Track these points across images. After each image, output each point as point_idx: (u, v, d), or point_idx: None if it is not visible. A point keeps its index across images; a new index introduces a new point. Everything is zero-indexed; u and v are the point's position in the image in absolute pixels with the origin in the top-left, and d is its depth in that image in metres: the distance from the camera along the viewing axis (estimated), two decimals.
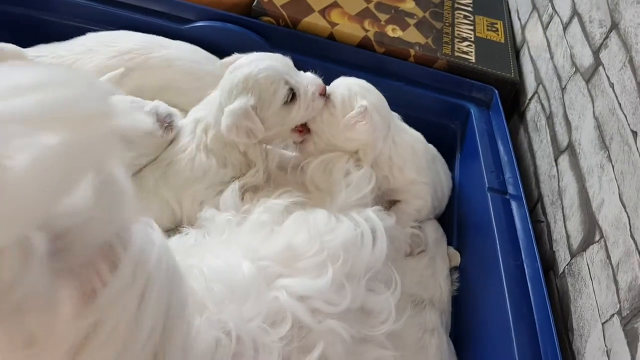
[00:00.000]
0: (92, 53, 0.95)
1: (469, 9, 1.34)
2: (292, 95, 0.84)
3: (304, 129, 0.90)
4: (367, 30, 1.15)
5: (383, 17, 1.21)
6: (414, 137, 0.98)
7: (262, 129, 0.82)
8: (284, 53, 0.98)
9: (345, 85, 0.89)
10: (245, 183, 0.87)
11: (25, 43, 0.95)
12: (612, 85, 0.81)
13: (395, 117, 0.95)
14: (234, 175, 0.89)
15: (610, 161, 0.77)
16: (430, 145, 1.03)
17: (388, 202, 0.95)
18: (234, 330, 0.59)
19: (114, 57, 0.95)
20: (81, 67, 0.94)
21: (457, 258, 0.95)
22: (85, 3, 1.04)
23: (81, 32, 1.02)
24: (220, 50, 1.05)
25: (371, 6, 1.23)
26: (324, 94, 0.87)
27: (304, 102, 0.85)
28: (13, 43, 0.91)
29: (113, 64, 0.94)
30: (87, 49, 0.96)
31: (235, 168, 0.89)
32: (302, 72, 0.89)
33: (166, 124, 0.88)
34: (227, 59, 0.89)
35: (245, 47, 1.04)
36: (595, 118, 0.84)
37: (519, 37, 1.28)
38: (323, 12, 1.16)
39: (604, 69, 0.85)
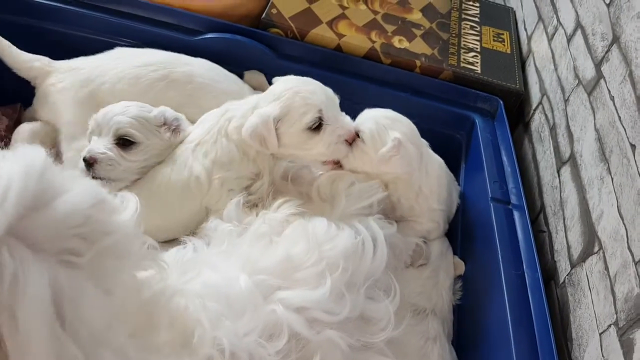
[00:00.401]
0: (118, 60, 0.99)
1: (476, 19, 1.35)
2: (319, 126, 0.85)
3: (335, 165, 0.91)
4: (373, 42, 1.17)
5: (390, 28, 1.23)
6: (440, 165, 0.99)
7: (275, 144, 0.84)
8: (292, 64, 1.01)
9: (373, 119, 0.89)
10: (251, 194, 0.89)
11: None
12: (612, 98, 0.83)
13: (425, 145, 0.96)
14: (255, 172, 0.91)
15: (610, 173, 0.78)
16: (448, 170, 1.04)
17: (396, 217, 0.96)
18: (228, 347, 0.61)
19: (138, 67, 0.98)
20: (105, 72, 0.97)
21: (461, 267, 0.95)
22: (98, 16, 1.07)
23: (95, 43, 1.06)
24: (229, 61, 1.08)
25: (378, 17, 1.25)
26: (350, 142, 0.88)
27: (327, 138, 0.86)
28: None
29: (136, 73, 0.97)
30: (113, 58, 1.00)
31: (256, 164, 0.90)
32: (344, 114, 0.90)
33: (173, 127, 0.92)
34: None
35: (253, 59, 1.08)
36: (596, 130, 0.85)
37: (525, 48, 1.29)
38: (331, 23, 1.18)
39: (605, 82, 0.86)
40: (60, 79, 0.97)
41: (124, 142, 0.88)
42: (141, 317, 0.60)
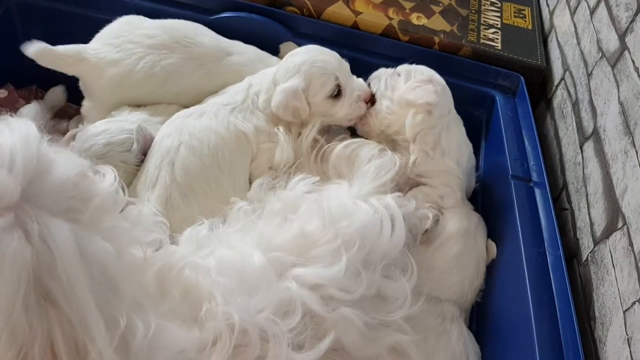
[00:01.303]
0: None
1: None
2: (338, 92, 0.92)
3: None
4: (391, 19, 1.15)
5: (408, 5, 1.21)
6: (462, 131, 0.98)
7: (307, 110, 0.91)
8: (308, 42, 0.99)
9: (413, 66, 0.96)
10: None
11: (60, 37, 0.99)
12: (637, 69, 0.80)
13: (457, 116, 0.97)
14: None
15: (634, 147, 0.76)
16: (471, 146, 1.02)
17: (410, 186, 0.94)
18: (238, 322, 0.60)
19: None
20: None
21: (493, 249, 0.90)
22: None
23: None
24: (246, 40, 1.07)
25: None
26: (367, 101, 0.95)
27: (348, 101, 0.92)
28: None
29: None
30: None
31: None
32: (354, 76, 0.95)
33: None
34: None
35: (269, 37, 1.07)
36: (620, 103, 0.83)
37: (547, 23, 1.26)
38: (347, 1, 1.16)
39: (630, 53, 0.83)
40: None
41: None
42: (151, 286, 0.60)
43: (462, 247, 0.87)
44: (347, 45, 1.08)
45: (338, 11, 1.13)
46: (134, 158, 0.88)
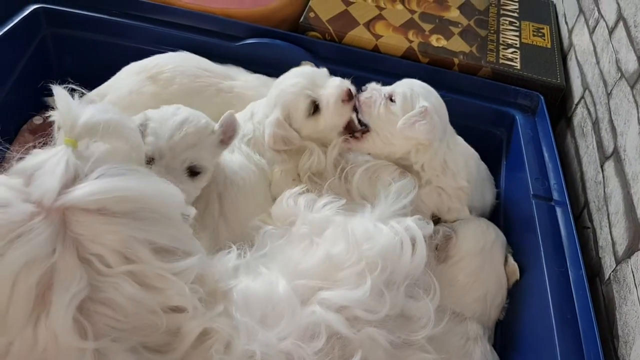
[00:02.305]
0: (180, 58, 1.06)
1: (515, 14, 1.34)
2: (316, 107, 0.92)
3: (357, 135, 0.95)
4: (411, 41, 1.18)
5: (427, 27, 1.23)
6: (468, 149, 1.00)
7: (296, 136, 0.92)
8: (330, 66, 1.02)
9: (408, 85, 0.94)
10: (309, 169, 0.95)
11: (91, 65, 1.04)
12: None
13: (452, 130, 0.98)
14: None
15: None
16: (484, 165, 1.04)
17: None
18: (260, 356, 0.62)
19: (198, 69, 1.05)
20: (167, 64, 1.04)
21: (515, 272, 0.89)
22: (143, 26, 1.12)
23: (141, 52, 1.10)
24: (270, 65, 1.10)
25: (415, 17, 1.25)
26: (348, 99, 0.92)
27: (328, 111, 0.92)
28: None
29: (195, 72, 1.04)
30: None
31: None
32: (332, 78, 0.95)
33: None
34: None
35: (292, 62, 1.09)
36: None
37: (566, 42, 1.28)
38: (368, 24, 1.20)
39: None
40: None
41: (192, 172, 0.84)
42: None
43: (481, 262, 0.89)
44: (368, 68, 1.11)
45: (359, 35, 1.16)
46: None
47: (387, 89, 0.94)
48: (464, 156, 0.97)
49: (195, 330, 0.62)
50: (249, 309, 0.68)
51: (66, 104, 0.59)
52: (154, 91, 1.01)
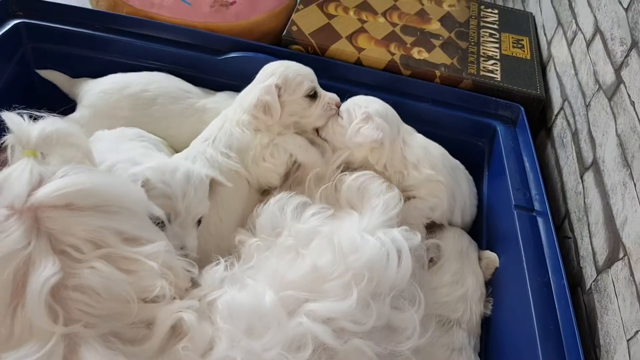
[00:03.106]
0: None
1: (495, 26, 1.36)
2: (314, 94, 0.97)
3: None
4: (393, 54, 1.19)
5: (409, 39, 1.24)
6: (429, 142, 1.02)
7: (278, 109, 0.93)
8: None
9: (351, 100, 1.01)
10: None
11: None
12: (633, 103, 0.83)
13: (409, 129, 1.02)
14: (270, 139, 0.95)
15: (632, 179, 0.79)
16: (453, 158, 1.05)
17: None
18: None
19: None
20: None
21: (494, 260, 0.95)
22: (125, 40, 1.12)
23: (122, 66, 1.11)
24: (252, 78, 1.10)
25: (397, 30, 1.27)
26: (335, 107, 0.99)
27: (321, 103, 0.97)
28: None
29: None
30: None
31: (268, 132, 0.96)
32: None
33: None
34: None
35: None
36: (618, 136, 0.85)
37: (545, 53, 1.30)
38: (350, 38, 1.20)
39: (626, 87, 0.86)
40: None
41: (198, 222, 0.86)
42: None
43: (460, 264, 0.94)
44: (351, 81, 1.12)
45: (342, 48, 1.17)
46: None
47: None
48: (423, 147, 1.00)
49: (167, 321, 0.64)
50: (233, 319, 0.69)
51: (17, 124, 0.64)
52: (134, 109, 1.03)
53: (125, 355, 0.60)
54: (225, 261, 0.79)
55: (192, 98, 1.06)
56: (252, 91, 0.95)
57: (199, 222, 0.85)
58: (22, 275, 0.57)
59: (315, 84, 0.98)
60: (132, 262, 0.63)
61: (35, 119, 0.67)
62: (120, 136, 0.97)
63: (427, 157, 0.98)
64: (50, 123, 0.67)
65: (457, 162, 1.05)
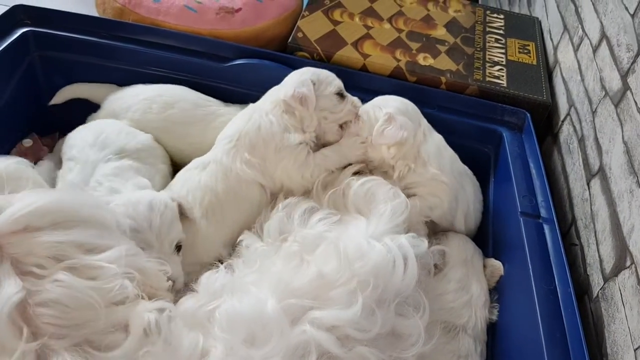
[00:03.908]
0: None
1: (501, 32, 1.36)
2: (342, 94, 1.01)
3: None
4: (398, 60, 1.19)
5: (414, 45, 1.24)
6: (444, 144, 1.03)
7: (314, 100, 0.96)
8: None
9: (369, 103, 1.02)
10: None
11: None
12: (639, 110, 0.82)
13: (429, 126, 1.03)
14: (298, 140, 0.97)
15: (639, 187, 0.78)
16: (462, 164, 1.05)
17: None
18: None
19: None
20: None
21: (499, 268, 0.95)
22: (133, 48, 1.12)
23: (128, 74, 1.13)
24: (259, 85, 1.11)
25: (403, 35, 1.27)
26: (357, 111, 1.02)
27: (348, 102, 1.01)
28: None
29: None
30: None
31: (298, 131, 0.97)
32: None
33: None
34: None
35: (281, 82, 1.10)
36: (624, 143, 0.85)
37: (551, 58, 1.29)
38: (356, 44, 1.21)
39: (632, 94, 0.86)
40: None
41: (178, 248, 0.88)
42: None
43: (465, 271, 0.94)
44: (357, 88, 1.11)
45: (347, 55, 1.18)
46: None
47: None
48: (437, 146, 1.00)
49: (138, 323, 0.65)
50: (232, 329, 0.69)
51: None
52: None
53: None
54: (225, 267, 0.80)
55: (213, 105, 1.08)
56: (285, 86, 0.97)
57: (179, 248, 0.85)
58: None
59: (344, 88, 1.02)
60: (94, 270, 0.65)
61: None
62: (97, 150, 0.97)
63: (438, 157, 0.99)
64: None
65: (466, 167, 1.05)
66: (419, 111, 1.02)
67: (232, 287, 0.75)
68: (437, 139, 1.02)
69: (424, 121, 1.02)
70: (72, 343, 0.61)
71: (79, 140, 0.98)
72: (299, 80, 0.97)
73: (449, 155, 1.02)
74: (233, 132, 0.96)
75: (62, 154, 0.98)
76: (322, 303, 0.72)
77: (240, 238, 0.90)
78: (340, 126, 1.02)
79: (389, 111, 0.97)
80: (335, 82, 1.00)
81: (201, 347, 0.67)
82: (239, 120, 0.98)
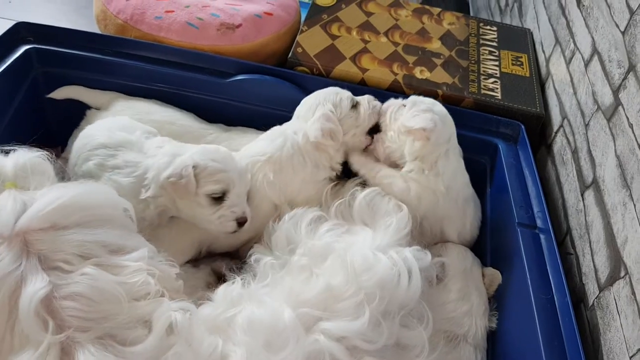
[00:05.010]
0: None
1: (494, 44, 1.39)
2: (355, 103, 1.04)
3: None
4: (396, 74, 1.22)
5: (411, 59, 1.27)
6: (462, 169, 1.06)
7: (341, 131, 1.00)
8: None
9: (421, 97, 1.05)
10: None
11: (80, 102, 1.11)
12: (631, 125, 0.86)
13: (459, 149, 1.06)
14: (325, 176, 1.03)
15: (632, 200, 0.81)
16: (471, 189, 1.08)
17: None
18: None
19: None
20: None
21: (497, 277, 0.98)
22: (134, 64, 1.14)
23: (130, 89, 1.15)
24: (260, 100, 1.14)
25: (399, 49, 1.30)
26: (374, 106, 1.05)
27: (366, 105, 1.04)
28: None
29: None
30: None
31: (326, 169, 1.03)
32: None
33: None
34: None
35: (282, 97, 1.13)
36: (617, 157, 0.88)
37: (543, 70, 1.33)
38: (354, 58, 1.23)
39: (624, 110, 0.89)
40: None
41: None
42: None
43: (465, 281, 0.96)
44: None
45: (346, 69, 1.20)
46: None
47: (403, 100, 1.06)
48: (455, 168, 1.03)
49: (161, 322, 0.67)
50: (253, 334, 0.72)
51: None
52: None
53: (123, 356, 0.63)
54: (242, 279, 0.82)
55: (213, 134, 1.10)
56: (314, 121, 0.99)
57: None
58: (16, 294, 0.62)
59: (352, 95, 1.04)
60: (119, 269, 0.68)
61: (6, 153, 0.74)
62: (115, 128, 1.00)
63: (451, 178, 1.01)
64: (21, 155, 0.74)
65: (473, 192, 1.08)
66: (454, 130, 1.04)
67: (249, 296, 0.78)
68: (458, 162, 1.04)
69: (455, 141, 1.04)
70: (95, 336, 0.63)
71: (105, 131, 0.99)
72: (322, 115, 0.99)
73: (462, 179, 1.04)
74: (262, 152, 1.00)
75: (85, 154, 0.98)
76: (331, 314, 0.75)
77: (249, 252, 0.92)
78: (368, 133, 1.06)
79: (432, 107, 1.01)
80: (344, 99, 1.03)
81: (220, 351, 0.70)
82: (270, 144, 1.01)
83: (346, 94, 1.04)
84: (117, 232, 0.71)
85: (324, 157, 1.01)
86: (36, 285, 0.61)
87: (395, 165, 1.04)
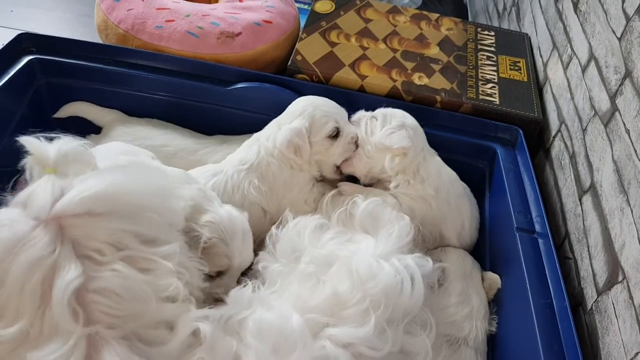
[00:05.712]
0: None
1: (492, 49, 1.40)
2: (337, 133, 1.03)
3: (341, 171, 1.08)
4: (394, 80, 1.23)
5: (409, 65, 1.28)
6: (444, 167, 1.08)
7: (308, 150, 1.00)
8: None
9: (388, 109, 1.07)
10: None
11: None
12: (628, 131, 0.87)
13: (432, 150, 1.08)
14: (306, 178, 1.04)
15: (629, 205, 0.82)
16: (462, 184, 1.09)
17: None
18: None
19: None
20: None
21: (497, 281, 0.99)
22: (136, 73, 1.15)
23: (132, 98, 1.17)
24: (260, 107, 1.15)
25: (398, 55, 1.31)
26: (355, 142, 1.05)
27: (343, 142, 1.04)
28: None
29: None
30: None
31: (305, 172, 1.04)
32: (348, 122, 1.08)
33: None
34: None
35: (282, 104, 1.14)
36: (614, 162, 0.89)
37: (541, 75, 1.34)
38: (353, 65, 1.25)
39: (620, 115, 0.90)
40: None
41: None
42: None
43: (465, 285, 0.98)
44: (355, 108, 1.15)
45: (345, 76, 1.21)
46: None
47: (372, 112, 1.08)
48: (437, 168, 1.05)
49: (186, 328, 0.68)
50: (262, 337, 0.73)
51: (36, 146, 0.70)
52: None
53: (146, 356, 0.64)
54: (253, 284, 0.83)
55: (209, 147, 1.12)
56: (284, 131, 1.00)
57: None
58: (49, 279, 0.62)
59: (341, 123, 1.04)
60: (149, 262, 0.68)
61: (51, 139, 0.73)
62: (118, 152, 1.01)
63: (437, 178, 1.04)
64: (65, 142, 0.73)
65: (465, 187, 1.09)
66: (425, 137, 1.07)
67: (260, 300, 0.79)
68: (438, 162, 1.06)
69: (427, 145, 1.07)
70: (121, 334, 0.63)
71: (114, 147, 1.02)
72: (294, 128, 0.99)
73: (448, 176, 1.06)
74: (243, 161, 1.02)
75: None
76: (337, 321, 0.76)
77: (255, 260, 0.93)
78: (337, 167, 1.07)
79: (403, 121, 1.03)
80: (328, 125, 1.02)
81: (234, 352, 0.71)
82: (248, 153, 1.03)
83: (333, 120, 1.02)
84: (151, 222, 0.71)
85: (299, 162, 1.02)
86: (71, 274, 0.61)
87: (377, 180, 1.07)
